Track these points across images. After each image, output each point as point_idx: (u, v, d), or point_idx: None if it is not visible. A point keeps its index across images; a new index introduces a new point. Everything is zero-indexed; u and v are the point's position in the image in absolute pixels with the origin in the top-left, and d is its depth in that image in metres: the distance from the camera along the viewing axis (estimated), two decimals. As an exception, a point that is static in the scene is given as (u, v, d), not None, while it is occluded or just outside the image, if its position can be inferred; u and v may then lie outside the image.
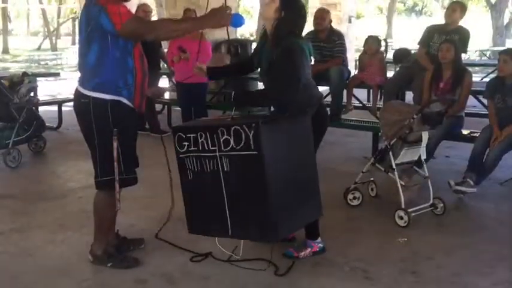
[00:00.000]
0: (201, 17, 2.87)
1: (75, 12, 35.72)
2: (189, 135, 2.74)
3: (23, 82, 5.40)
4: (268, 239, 2.83)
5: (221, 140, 2.62)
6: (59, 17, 36.93)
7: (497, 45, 19.25)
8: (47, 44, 34.39)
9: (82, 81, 2.81)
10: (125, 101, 2.77)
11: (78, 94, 2.81)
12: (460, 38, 4.93)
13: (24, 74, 5.62)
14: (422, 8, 39.70)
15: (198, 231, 2.93)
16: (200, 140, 2.70)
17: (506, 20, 22.67)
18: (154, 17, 11.43)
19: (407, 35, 26.37)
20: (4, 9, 31.80)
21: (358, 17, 35.93)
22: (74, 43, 39.05)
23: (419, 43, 5.24)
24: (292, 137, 2.77)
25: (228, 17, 2.67)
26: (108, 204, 2.88)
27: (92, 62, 2.72)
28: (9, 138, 5.20)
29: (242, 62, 3.95)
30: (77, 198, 4.31)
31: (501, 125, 4.26)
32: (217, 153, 2.66)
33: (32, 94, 5.60)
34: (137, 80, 2.80)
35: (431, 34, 5.12)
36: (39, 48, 33.66)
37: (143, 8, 6.72)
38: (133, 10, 8.28)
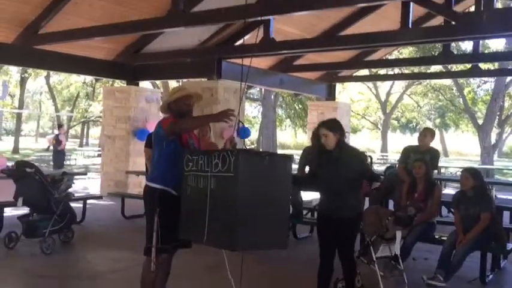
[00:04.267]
0: (208, 115, 4.44)
1: (85, 117, 37.90)
2: (194, 157, 3.55)
3: (63, 180, 6.33)
4: (229, 247, 3.42)
5: (213, 163, 3.39)
6: (70, 121, 38.86)
7: (486, 164, 20.39)
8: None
9: (148, 175, 3.93)
10: (170, 190, 3.74)
11: (145, 185, 3.90)
12: (431, 158, 5.99)
13: (64, 173, 6.58)
14: (416, 125, 41.82)
15: (184, 236, 3.64)
16: (200, 162, 3.50)
17: (493, 140, 24.09)
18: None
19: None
20: (19, 114, 33.80)
21: (354, 131, 38.04)
22: (81, 145, 40.86)
23: (398, 161, 6.31)
24: (270, 173, 3.44)
25: (225, 115, 3.71)
26: (149, 267, 3.73)
27: (154, 161, 3.88)
28: (46, 228, 6.01)
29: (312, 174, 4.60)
30: (106, 280, 5.06)
31: (465, 230, 5.13)
32: (209, 174, 3.42)
33: (68, 190, 6.50)
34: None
35: (408, 153, 6.22)
36: (47, 149, 35.11)
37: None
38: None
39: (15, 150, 32.09)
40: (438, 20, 10.65)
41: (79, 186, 12.55)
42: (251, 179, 3.34)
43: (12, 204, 6.31)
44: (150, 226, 3.73)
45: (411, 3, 7.48)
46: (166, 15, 7.45)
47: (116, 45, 10.38)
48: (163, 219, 3.70)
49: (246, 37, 10.00)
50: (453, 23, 7.45)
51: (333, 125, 4.03)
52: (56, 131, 13.98)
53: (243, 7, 6.32)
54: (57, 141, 13.16)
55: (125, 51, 10.56)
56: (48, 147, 34.91)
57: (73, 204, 6.89)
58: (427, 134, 6.28)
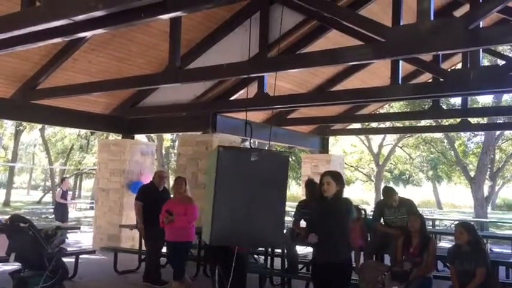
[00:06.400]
0: None
1: (79, 169, 37.69)
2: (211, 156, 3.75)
3: (56, 235, 6.28)
4: (208, 240, 3.50)
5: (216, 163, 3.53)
6: (63, 173, 38.70)
7: (479, 217, 20.28)
8: (47, 198, 35.54)
9: None
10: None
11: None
12: (409, 209, 6.13)
13: (58, 227, 6.53)
14: (409, 177, 41.89)
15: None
16: (212, 160, 3.70)
17: (485, 193, 24.09)
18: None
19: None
20: (12, 166, 33.67)
21: (348, 183, 38.09)
22: (73, 198, 40.42)
23: (373, 219, 6.50)
24: (260, 171, 3.45)
25: None
26: None
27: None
28: (37, 284, 5.90)
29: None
30: None
31: (461, 285, 5.11)
32: (215, 173, 3.48)
33: (61, 246, 6.43)
34: None
35: (382, 209, 6.34)
36: (39, 202, 34.73)
37: (159, 174, 7.92)
38: (150, 176, 9.51)
39: (6, 203, 31.71)
40: (427, 76, 10.97)
41: (71, 240, 12.39)
42: (232, 175, 3.38)
43: (4, 259, 6.23)
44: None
45: (400, 61, 7.73)
46: (162, 71, 7.63)
47: (113, 100, 10.55)
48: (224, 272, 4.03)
49: (240, 92, 10.22)
50: (441, 79, 7.68)
51: (337, 177, 4.44)
52: (48, 183, 14.08)
53: (237, 65, 6.52)
54: (62, 195, 13.36)
55: (121, 105, 10.72)
56: (41, 199, 34.68)
57: (65, 259, 6.82)
58: (392, 193, 6.51)
